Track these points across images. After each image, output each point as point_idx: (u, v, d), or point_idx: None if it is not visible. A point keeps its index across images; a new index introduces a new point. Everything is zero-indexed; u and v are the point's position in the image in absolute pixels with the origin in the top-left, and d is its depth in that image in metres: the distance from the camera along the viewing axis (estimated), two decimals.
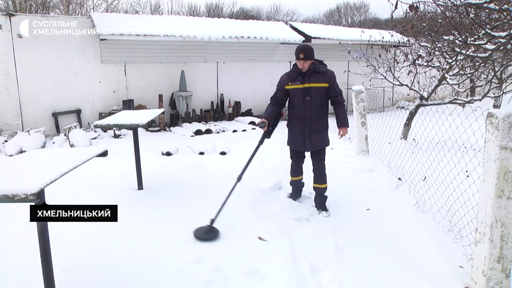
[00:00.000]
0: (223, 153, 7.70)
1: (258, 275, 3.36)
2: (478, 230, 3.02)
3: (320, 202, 4.86)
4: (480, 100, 7.70)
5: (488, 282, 2.95)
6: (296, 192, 5.19)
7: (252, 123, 11.37)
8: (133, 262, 3.56)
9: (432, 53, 8.34)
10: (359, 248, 3.90)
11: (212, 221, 4.16)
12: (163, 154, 7.66)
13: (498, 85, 8.88)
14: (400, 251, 3.84)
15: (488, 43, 4.97)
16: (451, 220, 4.20)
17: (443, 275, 3.39)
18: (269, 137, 4.81)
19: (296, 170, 5.06)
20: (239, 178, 4.54)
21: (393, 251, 3.84)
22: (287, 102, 4.91)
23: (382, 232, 4.26)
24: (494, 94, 8.69)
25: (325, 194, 4.90)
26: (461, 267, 3.47)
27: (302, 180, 5.16)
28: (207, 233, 4.03)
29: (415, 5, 4.73)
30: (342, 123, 4.76)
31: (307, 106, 4.61)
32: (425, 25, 7.83)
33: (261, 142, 4.76)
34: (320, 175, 4.86)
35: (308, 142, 4.71)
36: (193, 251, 3.72)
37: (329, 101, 4.77)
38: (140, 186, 5.53)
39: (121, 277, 3.33)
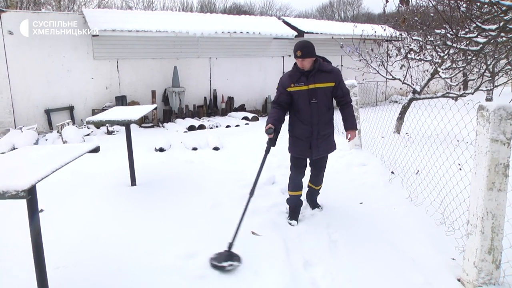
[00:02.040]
0: (216, 149, 7.69)
1: (252, 269, 3.37)
2: (470, 222, 3.05)
3: (312, 200, 4.76)
4: (472, 93, 7.73)
5: (479, 274, 2.97)
6: (294, 212, 4.49)
7: (245, 118, 11.37)
8: (126, 258, 3.55)
9: (423, 47, 8.35)
10: (352, 242, 3.91)
11: (230, 245, 3.64)
12: (156, 150, 7.64)
13: (490, 78, 8.92)
14: (393, 244, 3.86)
15: (479, 36, 4.99)
16: (443, 213, 4.23)
17: (436, 268, 3.41)
18: (274, 145, 4.19)
19: (296, 183, 4.45)
20: (251, 194, 4.01)
21: (386, 244, 3.86)
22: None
23: (375, 225, 4.27)
24: (486, 87, 8.73)
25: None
26: (453, 259, 3.50)
27: (301, 198, 4.53)
28: (232, 259, 3.48)
29: None
30: (351, 126, 4.28)
31: (314, 109, 4.12)
32: (417, 19, 7.85)
33: (267, 151, 4.17)
34: (318, 179, 4.59)
35: (315, 149, 4.23)
36: (186, 246, 3.72)
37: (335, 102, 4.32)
38: (133, 182, 5.51)
39: (114, 274, 3.32)
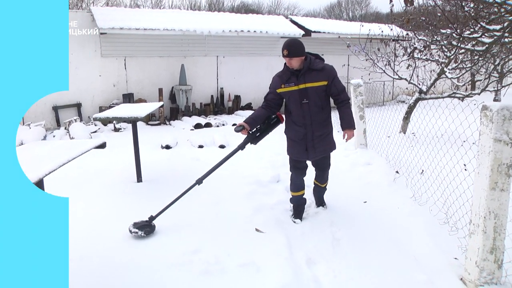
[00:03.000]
0: (222, 147, 7.73)
1: (255, 266, 3.40)
2: (472, 222, 3.06)
3: (318, 196, 4.74)
4: (479, 94, 7.70)
5: (481, 273, 2.98)
6: (298, 211, 4.46)
7: None
8: (131, 254, 3.60)
9: (428, 46, 8.34)
10: (355, 240, 3.93)
11: (151, 218, 3.98)
12: (162, 147, 7.69)
13: (498, 78, 8.87)
14: (396, 243, 3.87)
15: (484, 36, 4.97)
16: (447, 213, 4.23)
17: (438, 267, 3.42)
18: (255, 143, 4.17)
19: (297, 184, 4.38)
20: (199, 182, 4.09)
21: (389, 243, 3.87)
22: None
23: (379, 224, 4.29)
24: (494, 88, 8.69)
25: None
26: (456, 258, 3.50)
27: (304, 196, 4.49)
28: (140, 228, 3.88)
29: None
30: (347, 125, 4.06)
31: (305, 110, 3.99)
32: (423, 18, 7.83)
33: (240, 147, 4.15)
34: (323, 177, 4.51)
35: (311, 150, 4.09)
36: (191, 242, 3.76)
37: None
38: (139, 178, 5.56)
39: (119, 268, 3.37)
